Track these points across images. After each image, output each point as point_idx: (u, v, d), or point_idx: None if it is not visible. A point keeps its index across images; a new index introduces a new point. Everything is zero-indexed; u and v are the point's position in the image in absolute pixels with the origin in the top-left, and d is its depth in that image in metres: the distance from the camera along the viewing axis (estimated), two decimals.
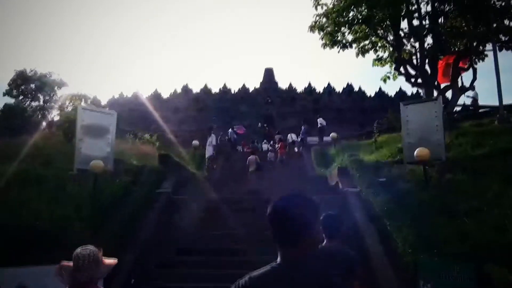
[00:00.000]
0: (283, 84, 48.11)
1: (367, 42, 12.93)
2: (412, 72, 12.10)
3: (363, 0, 11.18)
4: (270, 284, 1.64)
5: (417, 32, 11.62)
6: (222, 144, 21.76)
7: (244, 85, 47.43)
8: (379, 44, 12.98)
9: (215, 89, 47.43)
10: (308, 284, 1.63)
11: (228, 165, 15.53)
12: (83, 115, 9.25)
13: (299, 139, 19.55)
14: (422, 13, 11.96)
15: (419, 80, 11.87)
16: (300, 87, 47.30)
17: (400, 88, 41.63)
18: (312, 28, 12.66)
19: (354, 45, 12.92)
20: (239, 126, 29.73)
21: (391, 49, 12.58)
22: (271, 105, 45.13)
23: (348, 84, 46.28)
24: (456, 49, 11.82)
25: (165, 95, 46.50)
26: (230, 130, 24.12)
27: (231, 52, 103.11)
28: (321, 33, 12.55)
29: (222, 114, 41.79)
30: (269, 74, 48.91)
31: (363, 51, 12.92)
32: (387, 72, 13.11)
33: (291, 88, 46.83)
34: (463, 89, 12.30)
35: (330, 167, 11.48)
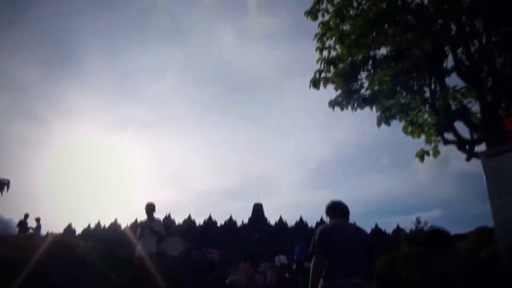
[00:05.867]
0: (272, 219, 43.24)
1: (393, 101, 8.53)
2: (465, 135, 7.45)
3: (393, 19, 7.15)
4: (334, 231, 3.71)
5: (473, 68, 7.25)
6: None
7: (231, 217, 42.27)
8: (412, 105, 8.57)
9: (199, 220, 42.27)
10: (356, 232, 3.73)
11: None
12: None
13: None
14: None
15: (476, 148, 7.21)
16: (291, 222, 42.10)
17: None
18: (314, 83, 8.39)
19: (374, 106, 8.47)
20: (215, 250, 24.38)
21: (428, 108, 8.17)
22: (259, 241, 39.39)
23: None
24: None
25: None
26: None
27: (213, 185, 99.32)
28: (327, 84, 8.23)
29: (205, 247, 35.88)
30: (257, 209, 44.69)
31: (387, 117, 8.46)
32: (429, 144, 8.34)
33: (281, 223, 41.63)
34: None
35: None
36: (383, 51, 7.90)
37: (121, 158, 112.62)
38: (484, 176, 5.31)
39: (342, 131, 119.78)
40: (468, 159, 7.56)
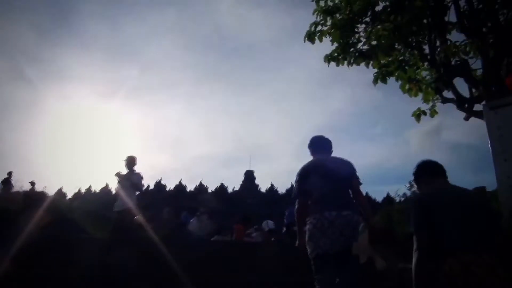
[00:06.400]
0: (264, 186, 43.40)
1: (391, 59, 8.10)
2: (464, 93, 7.06)
3: None
4: (314, 168, 3.51)
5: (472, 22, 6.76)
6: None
7: (222, 183, 42.30)
8: (411, 61, 8.16)
9: (190, 187, 42.24)
10: (338, 165, 3.51)
11: None
12: None
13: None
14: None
15: (476, 106, 6.85)
16: (282, 189, 42.24)
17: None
18: (309, 36, 7.91)
19: (371, 63, 8.05)
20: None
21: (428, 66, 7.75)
22: (250, 207, 39.60)
23: None
24: None
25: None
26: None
27: (206, 152, 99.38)
28: (324, 38, 7.74)
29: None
30: (249, 176, 44.74)
31: (384, 74, 8.04)
32: (427, 103, 7.96)
33: (272, 190, 41.79)
34: None
35: None
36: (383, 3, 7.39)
37: (113, 123, 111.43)
38: (487, 129, 5.04)
39: (337, 100, 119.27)
40: (466, 118, 7.27)
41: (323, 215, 3.28)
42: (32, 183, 15.92)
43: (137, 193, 6.94)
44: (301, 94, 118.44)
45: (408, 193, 17.91)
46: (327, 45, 7.99)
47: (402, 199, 18.39)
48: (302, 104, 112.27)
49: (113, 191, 7.46)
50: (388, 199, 36.86)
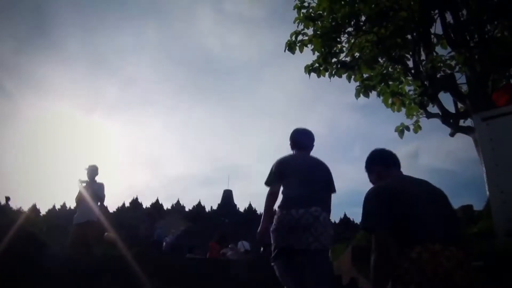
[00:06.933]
0: (242, 206, 42.70)
1: (373, 73, 7.77)
2: (449, 108, 6.75)
3: None
4: (292, 160, 3.43)
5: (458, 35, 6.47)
6: None
7: (199, 202, 41.39)
8: (394, 75, 7.83)
9: (167, 205, 41.19)
10: (315, 163, 3.44)
11: None
12: None
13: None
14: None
15: (462, 122, 6.53)
16: (261, 209, 41.67)
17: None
18: (290, 46, 7.56)
19: (352, 77, 7.72)
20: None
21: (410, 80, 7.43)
22: (227, 226, 38.77)
23: None
24: None
25: (112, 209, 39.35)
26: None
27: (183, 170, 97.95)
28: (305, 48, 7.37)
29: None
30: (227, 195, 44.07)
31: (366, 88, 7.71)
32: (410, 118, 7.61)
33: (250, 210, 41.09)
34: None
35: None
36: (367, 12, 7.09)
37: (91, 139, 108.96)
38: (479, 142, 4.70)
39: (315, 121, 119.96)
40: (452, 134, 6.96)
41: (290, 213, 3.14)
42: (7, 199, 15.01)
43: (99, 204, 6.33)
44: (280, 114, 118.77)
45: None
46: (307, 58, 7.67)
47: None
48: (280, 124, 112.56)
49: (74, 202, 6.77)
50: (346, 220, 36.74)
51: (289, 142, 3.70)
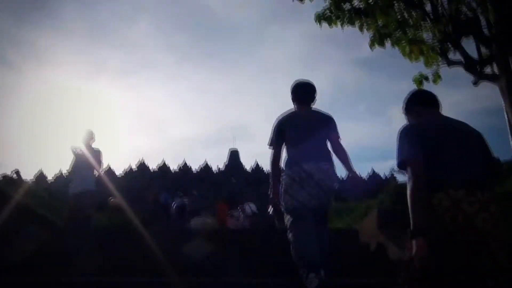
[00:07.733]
0: (248, 165, 42.65)
1: (389, 19, 7.18)
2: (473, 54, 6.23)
3: None
4: (294, 118, 3.34)
5: None
6: None
7: (206, 163, 41.36)
8: (411, 21, 7.27)
9: (174, 167, 41.26)
10: (318, 118, 3.31)
11: None
12: None
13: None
14: None
15: (488, 69, 6.04)
16: (268, 167, 41.69)
17: None
18: None
19: (365, 26, 7.15)
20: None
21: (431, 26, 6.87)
22: (235, 186, 38.96)
23: None
24: None
25: (118, 171, 39.46)
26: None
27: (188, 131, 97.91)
28: None
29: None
30: (233, 155, 44.01)
31: (381, 35, 7.15)
32: (429, 67, 7.11)
33: (257, 168, 41.09)
34: None
35: None
36: None
37: (96, 105, 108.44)
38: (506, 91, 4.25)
39: (319, 79, 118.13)
40: (475, 82, 6.45)
41: (302, 167, 3.09)
42: (17, 173, 14.88)
43: (96, 173, 5.99)
44: (283, 73, 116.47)
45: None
46: (310, 15, 7.08)
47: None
48: (284, 83, 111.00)
49: (69, 169, 6.42)
50: (374, 175, 36.61)
51: (290, 94, 3.58)
